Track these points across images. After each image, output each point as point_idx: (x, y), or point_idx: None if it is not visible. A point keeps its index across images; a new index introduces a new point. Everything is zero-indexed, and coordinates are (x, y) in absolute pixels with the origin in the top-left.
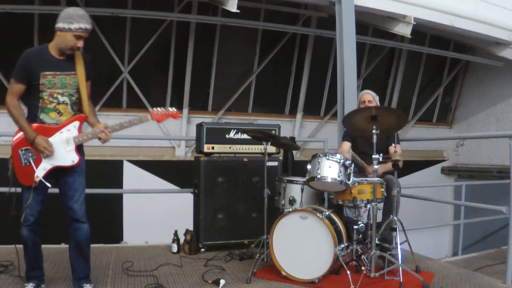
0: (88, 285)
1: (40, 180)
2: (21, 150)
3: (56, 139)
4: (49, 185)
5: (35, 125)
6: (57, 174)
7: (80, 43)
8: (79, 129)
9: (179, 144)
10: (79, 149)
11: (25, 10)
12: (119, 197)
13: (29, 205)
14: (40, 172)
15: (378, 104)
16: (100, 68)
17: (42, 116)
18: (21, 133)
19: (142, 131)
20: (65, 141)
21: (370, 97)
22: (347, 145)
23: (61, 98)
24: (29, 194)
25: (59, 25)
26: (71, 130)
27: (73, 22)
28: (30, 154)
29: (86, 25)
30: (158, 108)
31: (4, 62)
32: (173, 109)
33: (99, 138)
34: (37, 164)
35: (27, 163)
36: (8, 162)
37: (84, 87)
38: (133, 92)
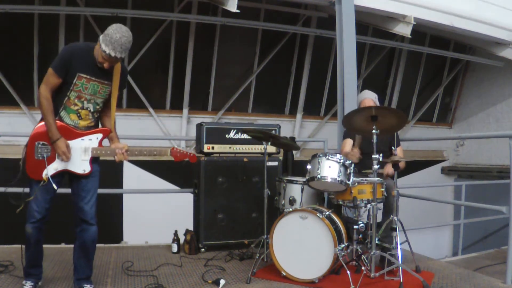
0: (88, 285)
1: (48, 179)
2: (38, 143)
3: (75, 144)
4: (55, 187)
5: (58, 123)
6: (72, 174)
7: (106, 65)
8: (100, 142)
9: (179, 144)
10: (94, 159)
11: (25, 10)
12: (119, 197)
13: (37, 202)
14: (50, 170)
15: (378, 105)
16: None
17: (63, 114)
18: (42, 124)
19: (142, 131)
20: (83, 149)
21: (371, 103)
22: (349, 142)
23: (86, 104)
24: (41, 189)
25: (100, 37)
26: (93, 141)
27: (104, 42)
28: (45, 150)
29: (112, 52)
30: (179, 148)
31: (4, 62)
32: (191, 152)
33: (113, 156)
34: (50, 161)
35: (40, 158)
36: (22, 150)
37: (115, 99)
38: (133, 92)
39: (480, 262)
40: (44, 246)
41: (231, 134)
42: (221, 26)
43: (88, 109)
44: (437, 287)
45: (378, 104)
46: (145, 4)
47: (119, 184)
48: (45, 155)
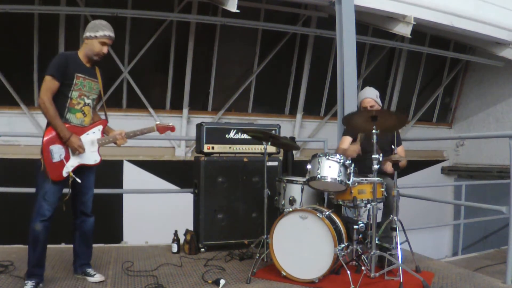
0: (91, 269)
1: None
2: (52, 147)
3: (83, 140)
4: (79, 180)
5: (67, 125)
6: (76, 172)
7: (105, 49)
8: (102, 133)
9: (179, 144)
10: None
11: (25, 10)
12: (119, 197)
13: (49, 199)
14: (69, 168)
15: (380, 103)
16: (100, 68)
17: (69, 115)
18: (52, 132)
19: None
20: (90, 142)
21: (372, 102)
22: (348, 140)
23: (87, 100)
24: (54, 188)
25: (87, 34)
26: (96, 133)
27: (98, 30)
28: (61, 152)
29: (110, 33)
30: (162, 123)
31: (4, 62)
32: (171, 124)
33: (115, 142)
34: (66, 161)
35: (58, 160)
36: (40, 159)
37: (102, 94)
38: (133, 92)
39: (480, 262)
40: None
41: (231, 134)
42: (221, 26)
43: (89, 104)
44: (437, 287)
45: (379, 102)
46: (145, 4)
47: (119, 184)
48: (61, 156)
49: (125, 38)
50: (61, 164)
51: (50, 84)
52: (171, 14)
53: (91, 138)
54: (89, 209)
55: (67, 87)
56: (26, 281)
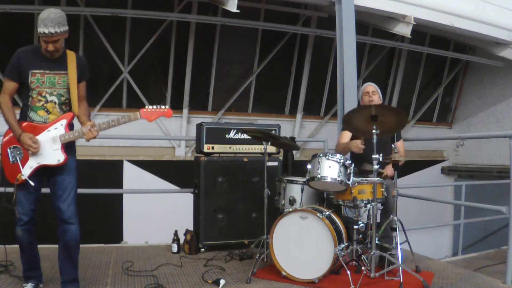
0: None
1: (26, 180)
2: (10, 148)
3: (43, 137)
4: (32, 183)
5: (24, 123)
6: (47, 173)
7: (50, 47)
8: (66, 128)
9: (179, 144)
10: (67, 148)
11: (25, 10)
12: (119, 197)
13: (22, 204)
14: (26, 170)
15: (381, 96)
16: (100, 68)
17: (32, 114)
18: (11, 133)
19: (142, 131)
20: (51, 139)
21: (373, 88)
22: (347, 134)
23: (49, 97)
24: (23, 191)
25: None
26: (58, 129)
27: (38, 28)
28: (18, 152)
29: (45, 29)
30: (150, 106)
31: (4, 62)
32: (164, 107)
33: (83, 136)
34: (24, 162)
35: (14, 161)
36: None
37: (74, 87)
38: (133, 92)
39: (480, 262)
40: (44, 246)
41: (231, 134)
42: (221, 26)
43: (53, 101)
44: (437, 287)
45: (380, 94)
46: (145, 4)
47: (119, 184)
48: (18, 157)
49: (125, 38)
50: (17, 166)
51: (5, 84)
52: (171, 14)
53: (52, 135)
54: (66, 215)
55: (25, 85)
56: (24, 285)
